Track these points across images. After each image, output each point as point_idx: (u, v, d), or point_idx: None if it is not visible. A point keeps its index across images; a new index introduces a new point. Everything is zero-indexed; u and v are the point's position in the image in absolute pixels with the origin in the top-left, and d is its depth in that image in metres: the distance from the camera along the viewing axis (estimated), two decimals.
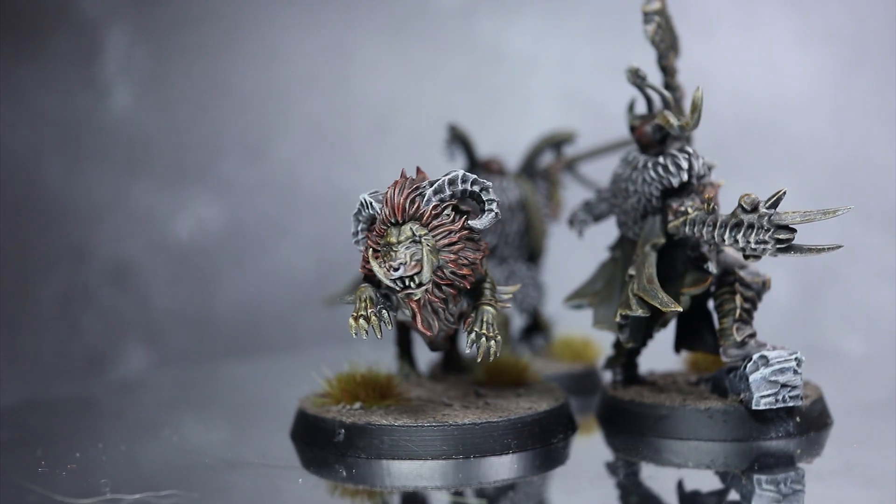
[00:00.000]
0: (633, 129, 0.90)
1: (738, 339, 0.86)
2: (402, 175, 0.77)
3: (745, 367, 0.84)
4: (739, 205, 0.79)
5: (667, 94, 0.89)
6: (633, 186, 0.88)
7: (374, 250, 0.76)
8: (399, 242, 0.74)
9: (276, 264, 1.78)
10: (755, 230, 0.78)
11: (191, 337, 1.83)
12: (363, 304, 0.76)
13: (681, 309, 0.85)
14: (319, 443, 0.82)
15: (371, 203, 0.77)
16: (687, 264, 0.89)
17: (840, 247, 0.79)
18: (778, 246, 0.77)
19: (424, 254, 0.74)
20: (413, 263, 0.73)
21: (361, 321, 0.76)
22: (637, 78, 0.89)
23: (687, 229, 0.84)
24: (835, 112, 1.70)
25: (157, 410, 1.15)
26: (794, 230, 0.78)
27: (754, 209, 0.78)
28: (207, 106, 1.86)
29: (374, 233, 0.76)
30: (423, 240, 0.74)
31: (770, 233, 0.77)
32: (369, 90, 1.83)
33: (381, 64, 1.83)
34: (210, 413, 1.14)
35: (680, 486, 0.75)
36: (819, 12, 1.70)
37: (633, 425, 0.88)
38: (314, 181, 1.80)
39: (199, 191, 1.84)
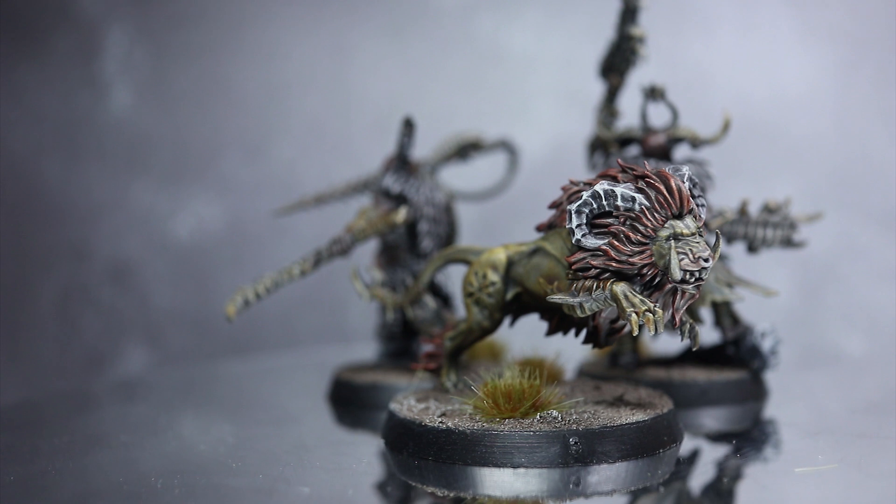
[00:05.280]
0: (630, 140, 1.03)
1: (735, 320, 1.02)
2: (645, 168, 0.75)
3: (755, 341, 1.00)
4: (766, 208, 1.00)
5: (677, 108, 1.02)
6: None
7: (640, 242, 0.73)
8: (692, 234, 0.73)
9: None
10: (778, 228, 0.99)
11: (190, 336, 1.83)
12: (637, 300, 0.73)
13: (779, 294, 1.02)
14: (535, 460, 0.75)
15: (623, 195, 0.73)
16: None
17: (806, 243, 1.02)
18: (789, 241, 1.00)
19: (720, 245, 0.75)
20: (713, 255, 0.73)
21: (649, 315, 0.72)
22: (658, 94, 1.01)
23: (726, 227, 1.00)
24: (835, 111, 1.70)
25: (157, 409, 1.15)
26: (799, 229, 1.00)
27: (777, 211, 1.00)
28: (207, 105, 1.86)
29: (630, 225, 0.73)
30: (702, 232, 0.74)
31: (787, 230, 0.99)
32: (369, 90, 1.83)
33: (381, 64, 1.83)
34: (210, 412, 1.14)
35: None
36: (819, 12, 1.70)
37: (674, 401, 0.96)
38: (314, 181, 1.79)
39: (198, 190, 1.84)
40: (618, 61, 1.04)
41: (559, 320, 0.83)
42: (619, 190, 0.73)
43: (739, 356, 1.01)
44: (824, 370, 1.37)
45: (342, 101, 1.84)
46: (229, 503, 0.73)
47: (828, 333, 1.66)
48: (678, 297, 0.74)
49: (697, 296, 0.75)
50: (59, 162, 1.84)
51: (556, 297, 0.77)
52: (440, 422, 0.78)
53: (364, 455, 0.87)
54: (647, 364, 1.05)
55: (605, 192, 0.74)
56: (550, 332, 0.85)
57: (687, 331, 0.76)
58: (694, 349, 0.77)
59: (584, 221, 0.75)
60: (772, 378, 1.07)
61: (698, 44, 1.73)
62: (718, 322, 1.02)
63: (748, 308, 1.07)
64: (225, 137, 1.85)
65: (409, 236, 1.08)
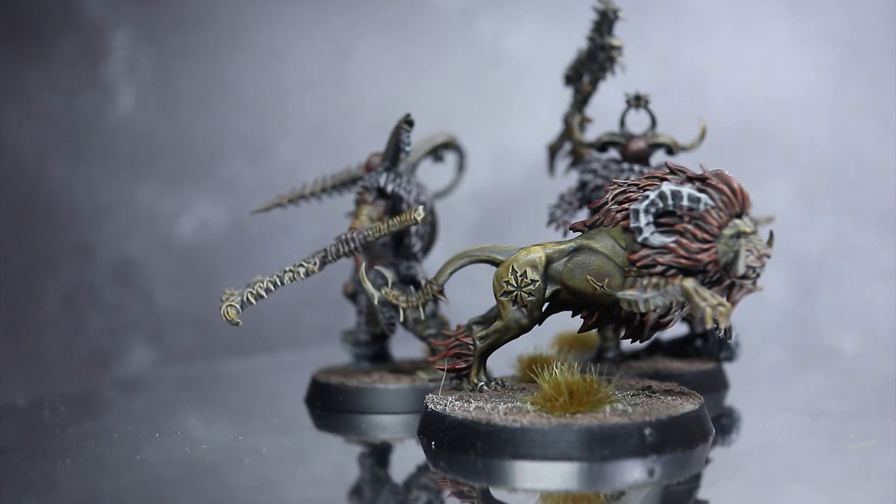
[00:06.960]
0: (609, 144, 1.06)
1: None
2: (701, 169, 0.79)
3: (723, 333, 1.03)
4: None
5: (656, 115, 1.04)
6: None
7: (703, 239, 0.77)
8: (754, 232, 0.77)
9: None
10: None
11: (194, 335, 1.84)
12: (708, 294, 0.76)
13: (763, 289, 1.06)
14: (616, 452, 0.75)
15: (689, 195, 0.77)
16: None
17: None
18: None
19: (774, 242, 0.78)
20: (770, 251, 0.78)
21: (721, 308, 0.76)
22: (642, 102, 1.04)
23: None
24: (830, 114, 1.71)
25: (161, 408, 1.16)
26: None
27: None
28: (210, 107, 1.87)
29: (694, 223, 0.77)
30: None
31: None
32: (369, 90, 1.84)
33: (381, 64, 1.85)
34: (211, 412, 1.14)
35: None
36: (814, 15, 1.71)
37: None
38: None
39: (201, 191, 1.85)
40: (593, 69, 1.08)
41: (600, 316, 0.84)
42: (686, 190, 0.77)
43: (707, 348, 1.07)
44: (818, 366, 1.38)
45: (343, 103, 1.85)
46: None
47: (822, 332, 1.67)
48: (735, 291, 0.78)
49: (754, 290, 0.79)
50: (63, 163, 1.86)
51: (627, 294, 0.79)
52: (513, 420, 0.76)
53: (380, 457, 0.88)
54: (627, 358, 1.09)
55: (672, 192, 0.77)
56: (587, 328, 0.86)
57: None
58: (729, 340, 0.82)
59: (651, 220, 0.78)
60: (766, 371, 1.09)
61: (694, 46, 1.75)
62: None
63: (742, 305, 1.08)
64: (227, 138, 1.86)
65: (396, 236, 1.05)
